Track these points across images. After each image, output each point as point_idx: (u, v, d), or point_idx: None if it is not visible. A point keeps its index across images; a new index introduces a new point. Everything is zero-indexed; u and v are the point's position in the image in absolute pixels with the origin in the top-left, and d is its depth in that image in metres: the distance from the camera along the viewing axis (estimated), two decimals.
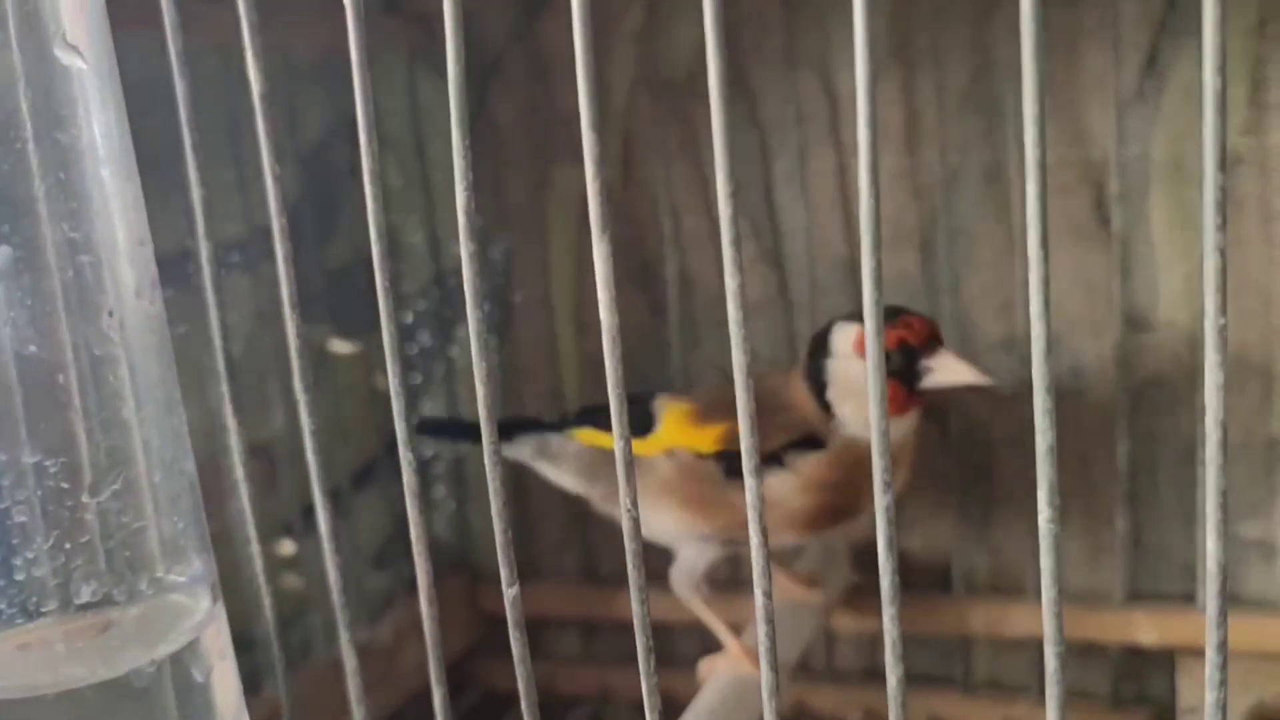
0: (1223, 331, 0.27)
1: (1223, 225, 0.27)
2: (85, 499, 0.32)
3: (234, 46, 0.37)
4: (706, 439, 0.58)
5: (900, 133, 0.66)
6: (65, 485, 0.32)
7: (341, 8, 0.35)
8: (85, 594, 0.33)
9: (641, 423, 0.58)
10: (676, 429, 0.58)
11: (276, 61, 0.67)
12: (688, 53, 0.70)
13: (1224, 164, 0.26)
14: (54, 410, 0.32)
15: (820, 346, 0.58)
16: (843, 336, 0.57)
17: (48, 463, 0.32)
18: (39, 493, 0.32)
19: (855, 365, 0.56)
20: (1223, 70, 0.26)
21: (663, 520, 0.58)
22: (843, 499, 0.57)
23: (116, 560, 0.33)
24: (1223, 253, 0.27)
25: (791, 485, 0.56)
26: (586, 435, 0.61)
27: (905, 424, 0.58)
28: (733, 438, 0.57)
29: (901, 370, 0.55)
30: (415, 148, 0.76)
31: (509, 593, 0.36)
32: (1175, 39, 0.61)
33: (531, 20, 0.73)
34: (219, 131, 0.63)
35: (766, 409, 0.57)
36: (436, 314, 0.79)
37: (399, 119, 0.76)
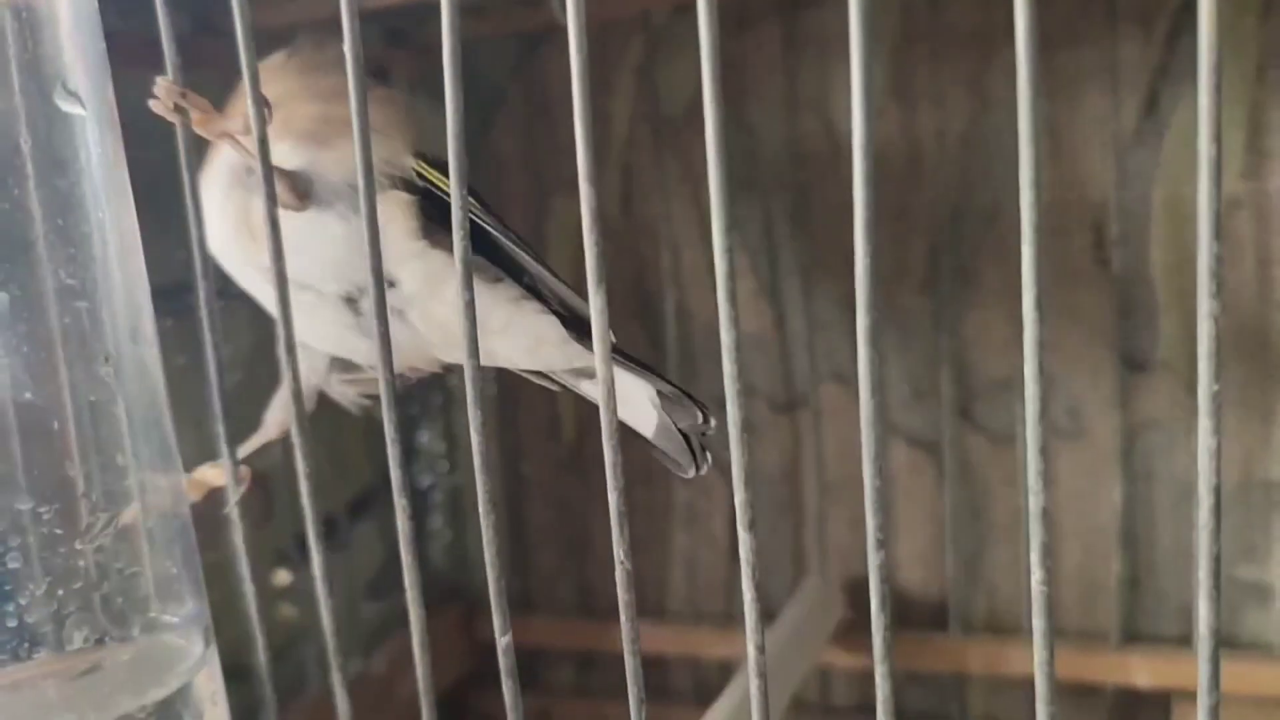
0: (1216, 397, 0.27)
1: (1217, 292, 0.27)
2: (79, 545, 0.32)
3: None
4: None
5: (900, 172, 0.66)
6: (59, 531, 0.32)
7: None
8: (78, 639, 0.33)
9: None
10: None
11: None
12: (688, 88, 0.70)
13: (1219, 232, 0.26)
14: (49, 457, 0.32)
15: None
16: None
17: (42, 509, 0.32)
18: (33, 539, 0.32)
19: None
20: (1218, 139, 0.26)
21: None
22: None
23: (110, 605, 0.33)
24: (1217, 320, 0.27)
25: None
26: None
27: None
28: None
29: None
30: None
31: (501, 641, 0.35)
32: (1175, 83, 0.61)
33: (533, 53, 0.73)
34: None
35: None
36: None
37: None
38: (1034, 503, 0.30)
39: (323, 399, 0.55)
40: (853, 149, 0.29)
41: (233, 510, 0.43)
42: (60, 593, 0.32)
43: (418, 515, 0.79)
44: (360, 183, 0.35)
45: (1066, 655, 0.65)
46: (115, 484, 0.33)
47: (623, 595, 0.34)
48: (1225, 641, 0.62)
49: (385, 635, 0.76)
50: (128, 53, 0.38)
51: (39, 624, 0.32)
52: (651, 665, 0.76)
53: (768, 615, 0.63)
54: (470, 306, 0.35)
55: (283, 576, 0.68)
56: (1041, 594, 0.30)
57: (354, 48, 0.34)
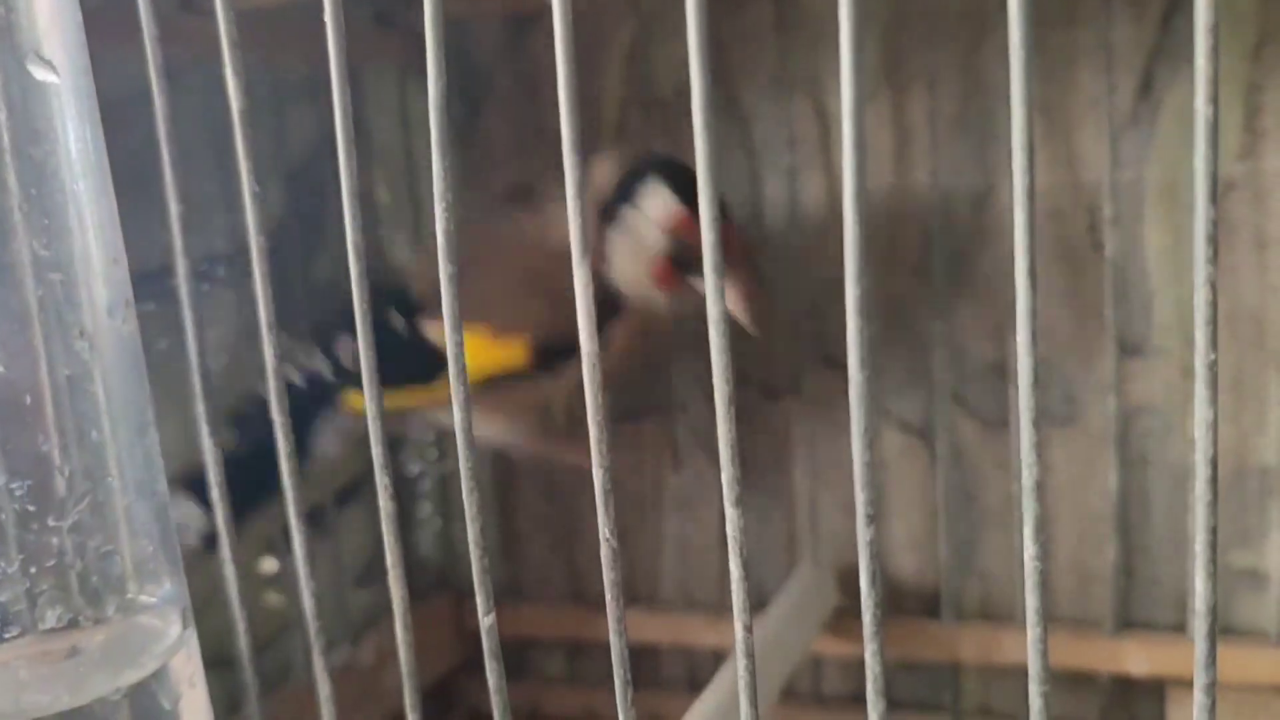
0: (1213, 367, 0.27)
1: (1213, 258, 0.26)
2: (53, 522, 0.32)
3: (220, 59, 0.37)
4: (517, 357, 0.56)
5: (892, 155, 0.66)
6: (32, 508, 0.31)
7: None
8: (51, 619, 0.32)
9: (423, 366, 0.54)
10: (480, 355, 0.55)
11: (264, 75, 0.67)
12: (679, 70, 0.69)
13: (1215, 197, 0.26)
14: (22, 432, 0.31)
15: (629, 191, 0.57)
16: (658, 204, 0.56)
17: (14, 485, 0.31)
18: (5, 516, 0.31)
19: (654, 236, 0.56)
20: (1215, 100, 0.25)
21: (495, 433, 0.60)
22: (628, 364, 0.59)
23: (85, 583, 0.33)
24: (1213, 286, 0.26)
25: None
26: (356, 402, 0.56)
27: (659, 299, 0.58)
28: (541, 341, 0.56)
29: (682, 258, 0.56)
30: (405, 162, 0.76)
31: (485, 621, 0.35)
32: (1170, 63, 0.60)
33: (523, 35, 0.73)
34: (204, 143, 0.62)
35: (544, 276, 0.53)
36: None
37: (389, 133, 0.76)
38: (1027, 477, 0.29)
39: None
40: (843, 131, 0.28)
41: (215, 496, 0.42)
42: (33, 571, 0.31)
43: (406, 503, 0.78)
44: (343, 170, 0.35)
45: (1060, 642, 0.64)
46: (90, 461, 0.32)
47: (608, 574, 0.34)
48: (1219, 629, 0.61)
49: (373, 625, 0.75)
50: (107, 31, 0.37)
51: (11, 603, 0.31)
52: (644, 654, 0.76)
53: (760, 605, 0.63)
54: (452, 281, 0.34)
55: (269, 564, 0.68)
56: (1035, 570, 0.29)
57: (337, 32, 0.34)
